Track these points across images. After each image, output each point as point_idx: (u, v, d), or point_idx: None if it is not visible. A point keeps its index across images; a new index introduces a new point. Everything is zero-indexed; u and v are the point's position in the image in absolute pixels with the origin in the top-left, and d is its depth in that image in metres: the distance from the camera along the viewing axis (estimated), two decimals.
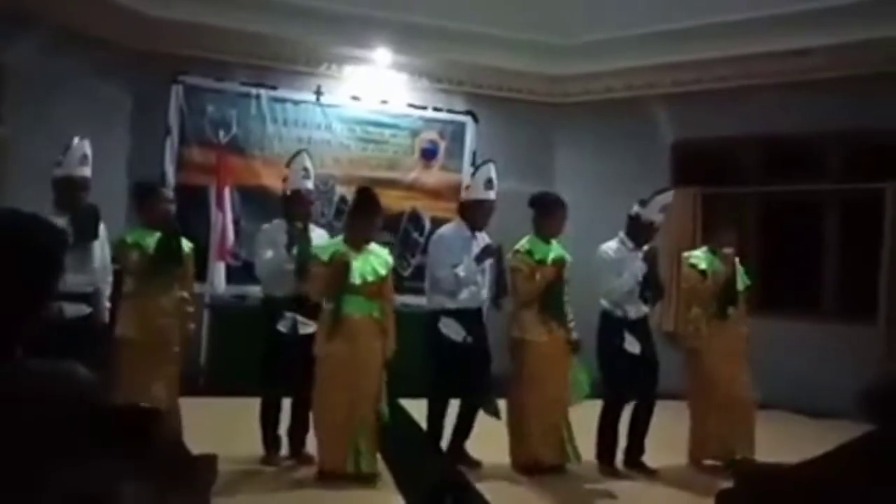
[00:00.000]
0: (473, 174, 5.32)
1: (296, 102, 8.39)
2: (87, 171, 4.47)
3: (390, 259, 4.71)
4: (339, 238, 4.70)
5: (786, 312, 7.37)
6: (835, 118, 7.47)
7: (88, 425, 1.19)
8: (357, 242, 4.57)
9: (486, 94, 8.93)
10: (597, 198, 8.76)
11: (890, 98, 7.14)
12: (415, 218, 8.72)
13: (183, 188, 7.92)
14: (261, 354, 4.76)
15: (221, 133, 8.09)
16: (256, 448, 4.78)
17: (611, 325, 5.03)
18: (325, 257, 4.47)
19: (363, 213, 4.64)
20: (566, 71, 8.83)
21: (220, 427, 4.97)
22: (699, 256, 5.31)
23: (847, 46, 7.18)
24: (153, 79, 7.81)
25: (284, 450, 4.85)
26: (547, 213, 5.03)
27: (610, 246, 5.14)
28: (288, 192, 4.99)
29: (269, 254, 4.82)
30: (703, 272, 5.21)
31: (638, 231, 5.12)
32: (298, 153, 5.19)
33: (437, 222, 8.51)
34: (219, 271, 7.55)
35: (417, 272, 8.18)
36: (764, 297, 6.96)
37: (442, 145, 8.88)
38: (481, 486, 4.50)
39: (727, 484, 2.09)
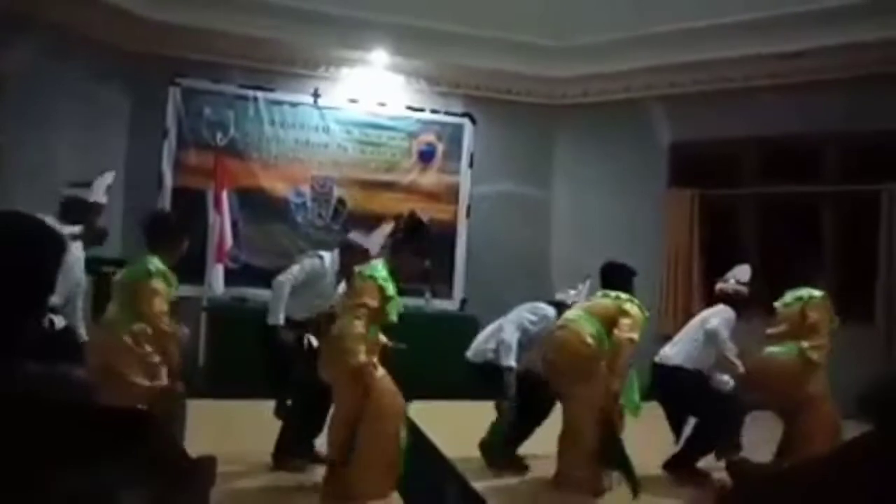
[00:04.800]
0: None
1: (293, 105, 8.40)
2: (105, 199, 4.65)
3: None
4: (380, 265, 4.19)
5: None
6: (831, 120, 7.49)
7: (84, 427, 1.19)
8: (405, 275, 4.26)
9: (484, 97, 8.93)
10: (594, 199, 8.80)
11: (886, 99, 7.17)
12: None
13: (181, 191, 7.95)
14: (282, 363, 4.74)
15: (219, 135, 8.10)
16: (256, 450, 4.77)
17: (702, 381, 4.93)
18: (373, 302, 4.01)
19: (417, 250, 4.31)
20: (564, 73, 8.84)
21: (218, 429, 4.95)
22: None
23: (843, 48, 7.19)
24: (151, 81, 7.82)
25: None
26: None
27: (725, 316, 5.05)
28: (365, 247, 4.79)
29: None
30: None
31: (735, 302, 5.13)
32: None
33: (435, 224, 8.54)
34: (217, 274, 7.55)
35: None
36: (761, 297, 6.95)
37: (439, 147, 8.88)
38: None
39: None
